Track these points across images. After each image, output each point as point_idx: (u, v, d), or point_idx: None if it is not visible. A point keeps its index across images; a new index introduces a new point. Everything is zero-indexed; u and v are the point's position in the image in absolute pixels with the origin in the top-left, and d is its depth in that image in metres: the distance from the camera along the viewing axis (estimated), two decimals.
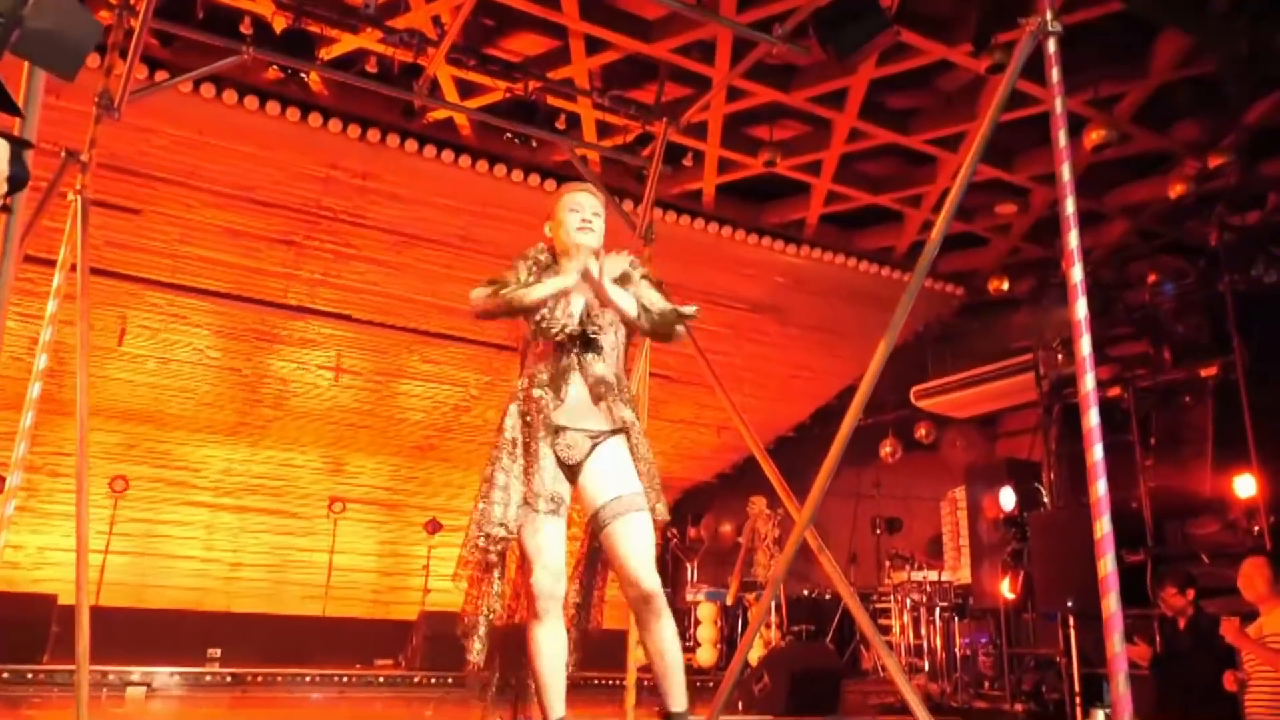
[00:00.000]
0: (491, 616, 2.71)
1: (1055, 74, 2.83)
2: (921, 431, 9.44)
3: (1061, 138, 2.77)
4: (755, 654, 7.35)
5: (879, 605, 8.68)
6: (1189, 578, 5.01)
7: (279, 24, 5.59)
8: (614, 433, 2.71)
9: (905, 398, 9.18)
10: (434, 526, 10.45)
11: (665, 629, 2.60)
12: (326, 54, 5.89)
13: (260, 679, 7.16)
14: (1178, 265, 6.81)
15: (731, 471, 11.53)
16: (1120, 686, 2.24)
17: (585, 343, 2.73)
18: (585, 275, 2.66)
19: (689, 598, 9.54)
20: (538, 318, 2.70)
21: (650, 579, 2.59)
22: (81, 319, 3.74)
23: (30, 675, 6.45)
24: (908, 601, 8.11)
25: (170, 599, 9.54)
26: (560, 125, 6.34)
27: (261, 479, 10.53)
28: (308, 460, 10.66)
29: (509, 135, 6.28)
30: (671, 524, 10.87)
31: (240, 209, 7.14)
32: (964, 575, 7.97)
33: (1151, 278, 6.76)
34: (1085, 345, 2.58)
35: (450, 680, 7.42)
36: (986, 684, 7.41)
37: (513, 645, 2.84)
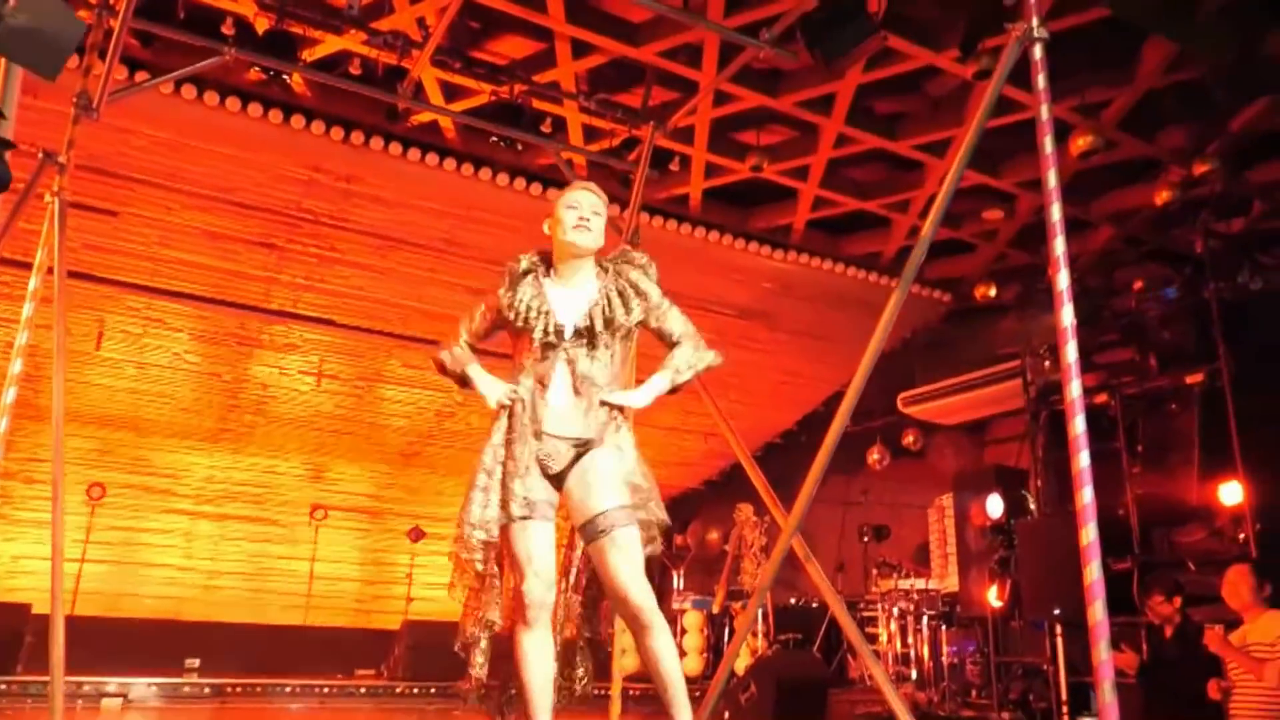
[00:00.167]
0: (494, 629, 2.70)
1: (1041, 80, 2.82)
2: (909, 438, 9.42)
3: (1048, 144, 2.75)
4: (742, 663, 7.30)
5: (866, 613, 8.63)
6: (1176, 585, 4.99)
7: (261, 25, 5.50)
8: (600, 440, 2.64)
9: (893, 404, 9.16)
10: (417, 534, 10.35)
11: (659, 642, 2.54)
12: (310, 55, 5.81)
13: (239, 689, 7.07)
14: (1164, 272, 6.82)
15: (719, 478, 11.48)
16: (1106, 695, 2.22)
17: (575, 344, 2.67)
18: (612, 405, 2.68)
19: (675, 606, 9.47)
20: (517, 324, 2.70)
21: (638, 595, 2.52)
22: (58, 323, 3.68)
23: (3, 686, 6.33)
24: (895, 610, 8.06)
25: (148, 608, 9.41)
26: (546, 129, 6.28)
27: (242, 486, 10.40)
28: (289, 467, 10.54)
29: (494, 139, 6.22)
30: None
31: (221, 211, 7.05)
32: (951, 583, 7.93)
33: (1138, 284, 6.76)
34: (1071, 352, 2.56)
35: (433, 690, 7.33)
36: (974, 692, 7.37)
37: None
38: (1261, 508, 5.55)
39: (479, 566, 2.66)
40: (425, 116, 6.59)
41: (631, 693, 7.50)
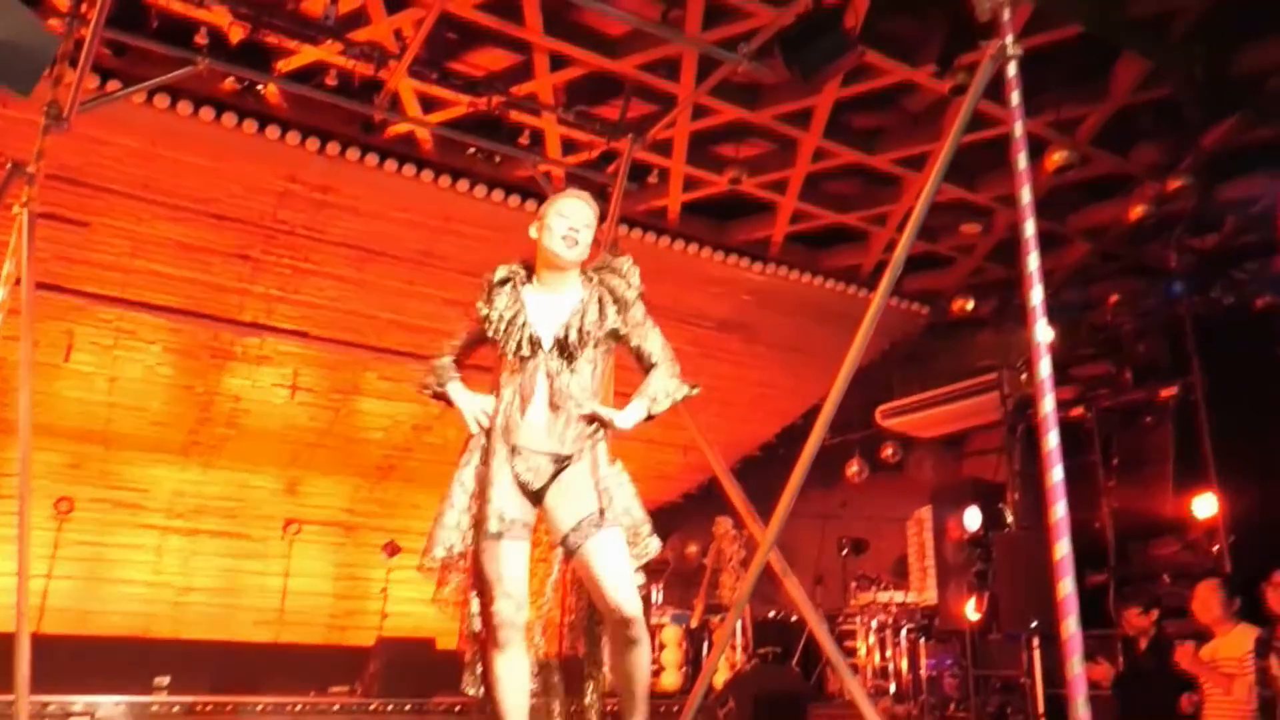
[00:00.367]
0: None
1: (1015, 98, 2.83)
2: (888, 451, 9.43)
3: (1021, 161, 2.76)
4: (720, 677, 7.26)
5: (845, 627, 8.62)
6: (1153, 599, 5.02)
7: (235, 35, 5.46)
8: (580, 456, 2.59)
9: (871, 417, 9.17)
10: (393, 549, 10.23)
11: (641, 656, 2.52)
12: (285, 66, 5.76)
13: (210, 708, 6.92)
14: (1138, 287, 6.89)
15: (697, 491, 11.45)
16: (1080, 708, 2.22)
17: (553, 356, 2.62)
18: (596, 418, 2.63)
19: (654, 620, 9.41)
20: (492, 334, 2.66)
21: (630, 604, 2.48)
22: (25, 335, 3.62)
23: None
24: (873, 623, 8.06)
25: (116, 625, 9.23)
26: (524, 141, 6.26)
27: (214, 500, 10.25)
28: (262, 481, 10.41)
29: (472, 150, 6.20)
30: None
31: (194, 222, 6.96)
32: (930, 596, 7.94)
33: (1113, 299, 6.82)
34: (1044, 368, 2.56)
35: (408, 707, 7.23)
36: (952, 706, 7.37)
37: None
38: (1234, 520, 5.60)
39: (448, 584, 2.61)
40: (402, 128, 6.54)
41: (611, 709, 7.45)
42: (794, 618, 9.00)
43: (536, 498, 2.58)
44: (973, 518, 7.16)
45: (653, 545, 2.62)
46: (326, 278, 7.67)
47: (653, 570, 10.20)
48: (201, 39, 5.38)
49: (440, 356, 2.81)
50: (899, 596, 8.12)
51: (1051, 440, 2.46)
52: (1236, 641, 4.39)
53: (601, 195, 6.45)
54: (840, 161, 6.93)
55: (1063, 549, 2.36)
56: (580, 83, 6.29)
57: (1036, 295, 2.64)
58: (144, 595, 9.74)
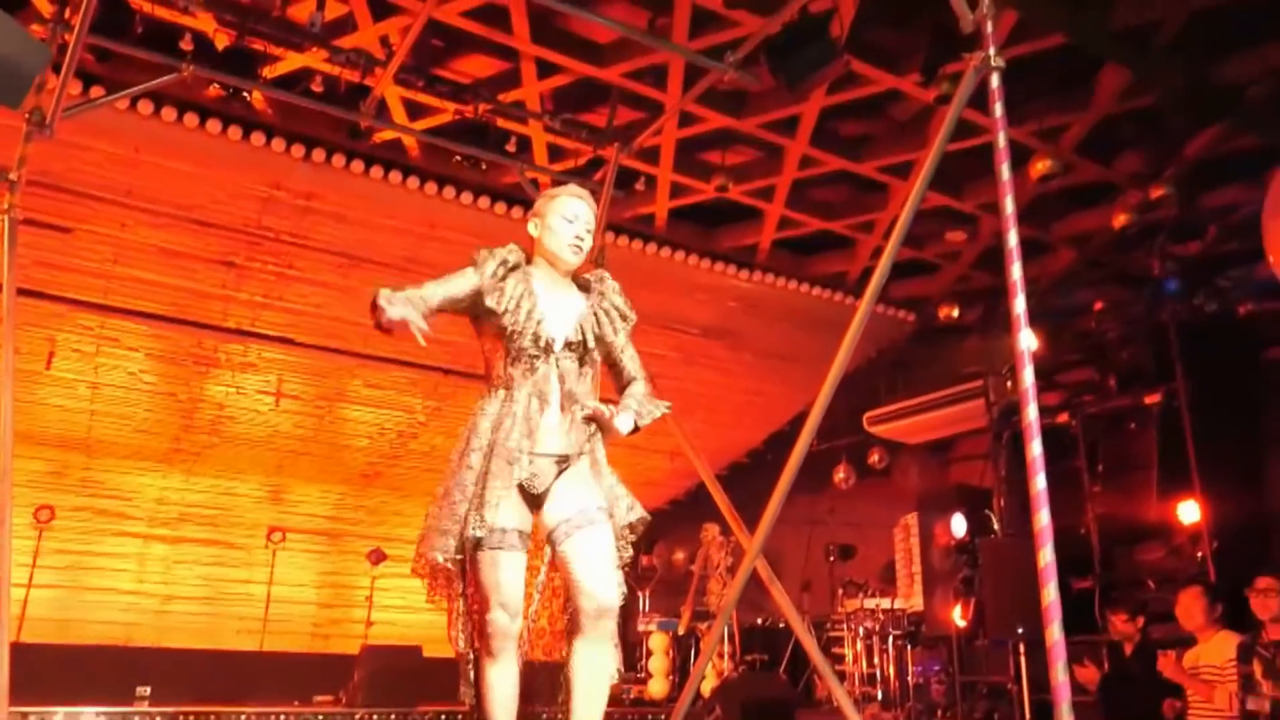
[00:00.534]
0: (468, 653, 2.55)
1: (998, 109, 2.85)
2: (875, 457, 9.45)
3: (1004, 171, 2.78)
4: (707, 685, 7.25)
5: (833, 634, 8.63)
6: (1140, 605, 5.04)
7: (221, 41, 5.44)
8: (579, 456, 2.56)
9: (858, 423, 9.20)
10: (378, 557, 10.17)
11: (609, 658, 2.44)
12: (270, 72, 5.73)
13: (193, 718, 6.86)
14: (1122, 294, 6.93)
15: (684, 498, 11.44)
16: (1065, 714, 2.23)
17: (567, 360, 2.56)
18: (599, 420, 2.55)
19: (641, 628, 9.40)
20: (506, 325, 2.51)
21: (611, 591, 2.41)
22: (6, 342, 3.58)
23: None
24: (861, 629, 8.06)
25: (97, 634, 9.13)
26: (510, 148, 6.26)
27: (197, 508, 10.18)
28: (246, 488, 10.34)
29: (458, 157, 6.19)
30: None
31: (177, 228, 6.92)
32: (917, 602, 7.95)
33: (1098, 305, 6.86)
34: (1028, 376, 2.58)
35: (393, 716, 7.18)
36: (939, 712, 7.38)
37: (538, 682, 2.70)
38: (1218, 526, 5.63)
39: (439, 589, 2.56)
40: (388, 134, 6.53)
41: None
42: (781, 624, 9.00)
43: (536, 502, 2.52)
44: (959, 524, 7.19)
45: (625, 554, 2.57)
46: (311, 284, 7.63)
47: (640, 577, 10.19)
48: (187, 44, 5.35)
49: (417, 289, 2.52)
50: (886, 602, 8.13)
51: (1035, 449, 2.47)
52: (1219, 648, 4.41)
53: None
54: (827, 168, 6.96)
55: (1046, 556, 2.38)
56: (567, 89, 6.29)
57: (1020, 304, 2.66)
58: (126, 604, 9.65)
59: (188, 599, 9.97)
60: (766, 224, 7.69)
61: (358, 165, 6.52)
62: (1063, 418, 6.69)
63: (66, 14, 4.25)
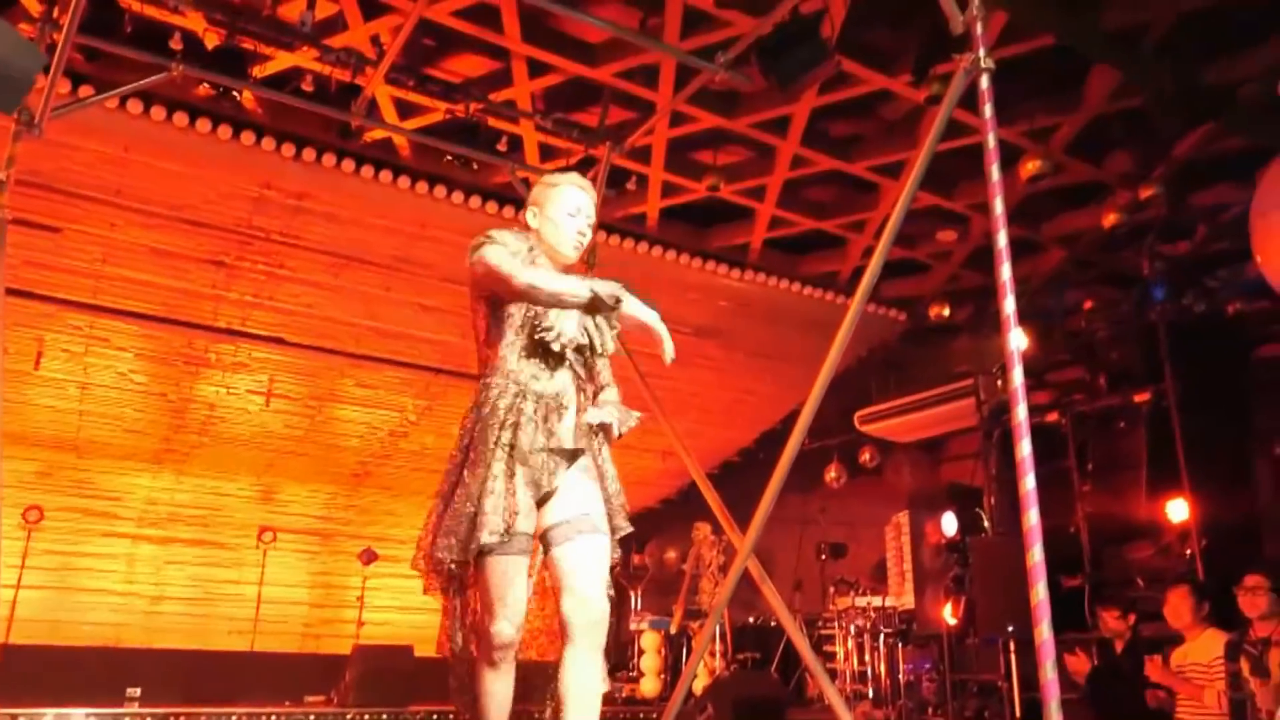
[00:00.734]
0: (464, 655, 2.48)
1: (988, 110, 2.87)
2: (866, 456, 9.48)
3: (994, 172, 2.79)
4: (699, 683, 7.25)
5: (824, 632, 8.65)
6: (1131, 603, 5.07)
7: (211, 40, 5.42)
8: (584, 451, 2.50)
9: (850, 422, 9.22)
10: (369, 556, 10.15)
11: (600, 667, 2.37)
12: (260, 71, 5.71)
13: (184, 719, 6.84)
14: (1112, 294, 6.97)
15: (676, 497, 11.45)
16: (1054, 713, 2.24)
17: (579, 359, 2.48)
18: (605, 430, 2.47)
19: (633, 627, 9.40)
20: (541, 323, 2.41)
21: (604, 602, 2.36)
22: None
23: None
24: (852, 627, 8.09)
25: (87, 635, 9.09)
26: (502, 147, 6.25)
27: (187, 508, 10.13)
28: (236, 488, 10.30)
29: (449, 157, 6.18)
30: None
31: (167, 228, 6.89)
32: (908, 601, 7.99)
33: (1088, 305, 6.89)
34: (1018, 376, 2.59)
35: (385, 716, 7.17)
36: (930, 709, 7.41)
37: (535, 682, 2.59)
38: (1206, 524, 5.67)
39: (436, 589, 2.46)
40: (379, 134, 6.52)
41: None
42: (773, 623, 9.02)
43: (541, 502, 2.42)
44: (950, 522, 7.22)
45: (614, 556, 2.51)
46: (302, 284, 7.61)
47: (631, 576, 10.18)
48: (176, 44, 5.33)
49: (530, 271, 2.34)
50: (877, 601, 8.16)
51: (1024, 448, 2.49)
52: (1206, 646, 4.44)
53: None
54: (818, 168, 6.97)
55: (1035, 556, 2.39)
56: (559, 89, 6.29)
57: (1010, 304, 2.67)
58: (116, 604, 9.61)
59: (178, 599, 9.92)
60: (758, 223, 7.70)
61: (348, 164, 6.50)
62: (1052, 417, 6.72)
63: (55, 13, 4.24)
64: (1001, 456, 7.04)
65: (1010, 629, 6.17)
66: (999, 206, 2.75)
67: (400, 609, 10.64)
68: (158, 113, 5.89)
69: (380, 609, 10.41)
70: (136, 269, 7.25)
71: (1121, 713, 4.84)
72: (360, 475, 10.48)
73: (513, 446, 2.34)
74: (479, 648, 2.40)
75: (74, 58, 5.38)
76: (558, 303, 2.35)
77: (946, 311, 8.23)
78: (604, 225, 7.04)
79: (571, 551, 2.36)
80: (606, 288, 2.33)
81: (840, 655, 8.22)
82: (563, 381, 2.45)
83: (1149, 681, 4.62)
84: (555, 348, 2.41)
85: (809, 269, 8.39)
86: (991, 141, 2.82)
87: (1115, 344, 6.64)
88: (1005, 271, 2.69)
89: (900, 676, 7.69)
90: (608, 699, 8.65)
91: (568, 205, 2.53)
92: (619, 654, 9.83)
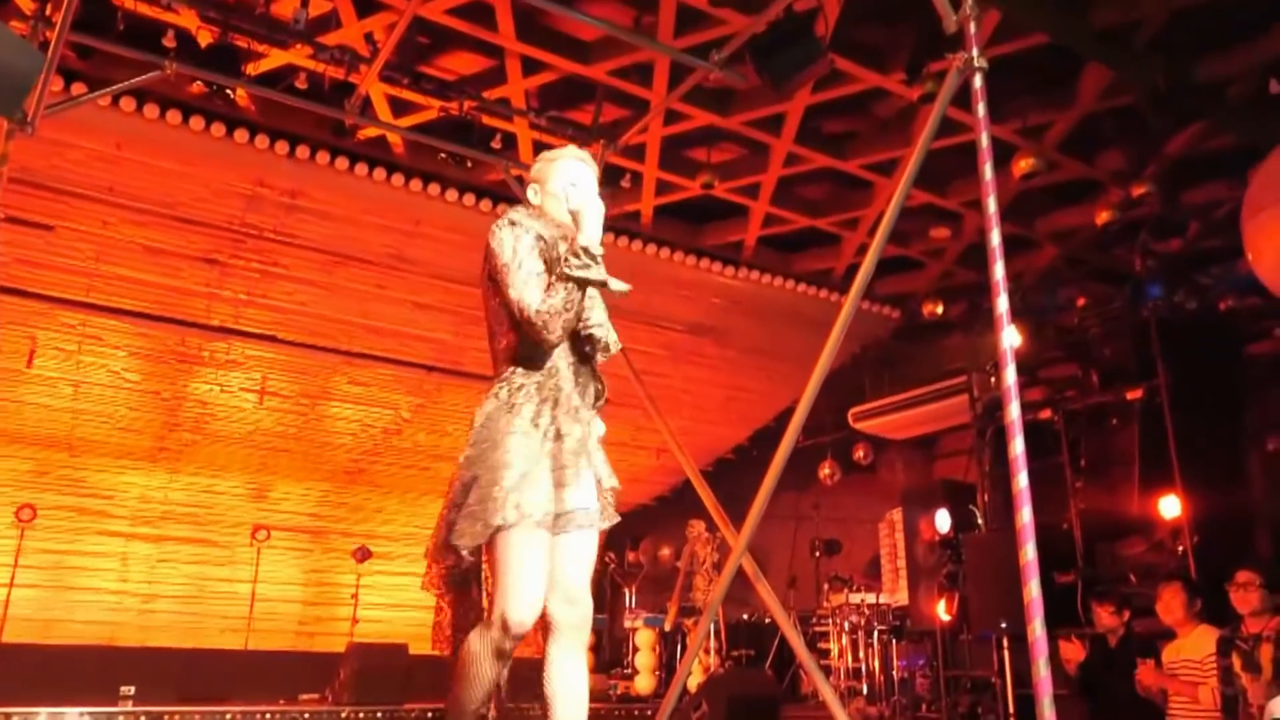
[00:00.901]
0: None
1: (981, 109, 2.88)
2: (860, 453, 9.50)
3: (987, 171, 2.80)
4: (694, 680, 7.27)
5: (818, 628, 8.68)
6: (1125, 599, 5.09)
7: (204, 38, 5.40)
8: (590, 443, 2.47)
9: (843, 419, 9.24)
10: (363, 554, 10.14)
11: (584, 664, 2.33)
12: (254, 69, 5.70)
13: (177, 718, 6.83)
14: (1104, 290, 6.98)
15: (670, 494, 11.47)
16: (1046, 709, 2.26)
17: (585, 349, 2.43)
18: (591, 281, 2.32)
19: (627, 624, 9.41)
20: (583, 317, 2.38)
21: (590, 601, 2.36)
22: None
23: None
24: (846, 624, 8.11)
25: (80, 634, 9.06)
26: (496, 145, 6.24)
27: (180, 506, 10.09)
28: (230, 486, 10.27)
29: (443, 154, 6.17)
30: (609, 548, 10.75)
31: (160, 226, 6.87)
32: (902, 597, 8.01)
33: (1080, 302, 6.91)
34: (1010, 375, 2.61)
35: (380, 714, 7.16)
36: (924, 706, 7.43)
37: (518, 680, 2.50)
38: (1199, 520, 5.68)
39: (438, 574, 2.38)
40: (373, 131, 6.51)
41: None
42: (767, 620, 9.05)
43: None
44: (943, 519, 7.23)
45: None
46: (296, 282, 7.60)
47: (626, 573, 10.18)
48: (169, 41, 5.31)
49: (545, 305, 2.27)
50: (871, 597, 8.18)
51: (1017, 447, 2.50)
52: (1198, 643, 4.47)
53: None
54: (812, 166, 6.98)
55: (1029, 554, 2.40)
56: (553, 86, 6.28)
57: (1003, 303, 2.69)
58: (109, 603, 9.58)
59: (172, 598, 9.90)
60: (752, 221, 7.71)
61: (342, 162, 6.50)
62: (1045, 413, 6.73)
63: (48, 10, 4.22)
64: (995, 453, 7.06)
65: (1004, 625, 6.20)
66: (992, 205, 2.76)
67: (394, 606, 10.63)
68: (151, 110, 5.87)
69: (374, 606, 10.40)
70: (129, 267, 7.24)
71: (1114, 704, 4.87)
72: (354, 473, 10.47)
73: (543, 434, 2.29)
74: (490, 634, 2.23)
75: (67, 55, 5.36)
76: (567, 319, 2.29)
77: (940, 308, 8.26)
78: None
79: (565, 546, 2.33)
80: (585, 274, 2.29)
81: (834, 652, 8.25)
82: (579, 372, 2.41)
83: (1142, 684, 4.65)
84: (591, 347, 2.40)
85: (803, 266, 8.41)
86: (985, 141, 2.83)
87: (1108, 341, 6.65)
88: (999, 270, 2.70)
89: (894, 673, 7.71)
90: (602, 696, 8.73)
91: (569, 177, 2.50)
92: (614, 651, 9.85)
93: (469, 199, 6.89)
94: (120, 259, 7.15)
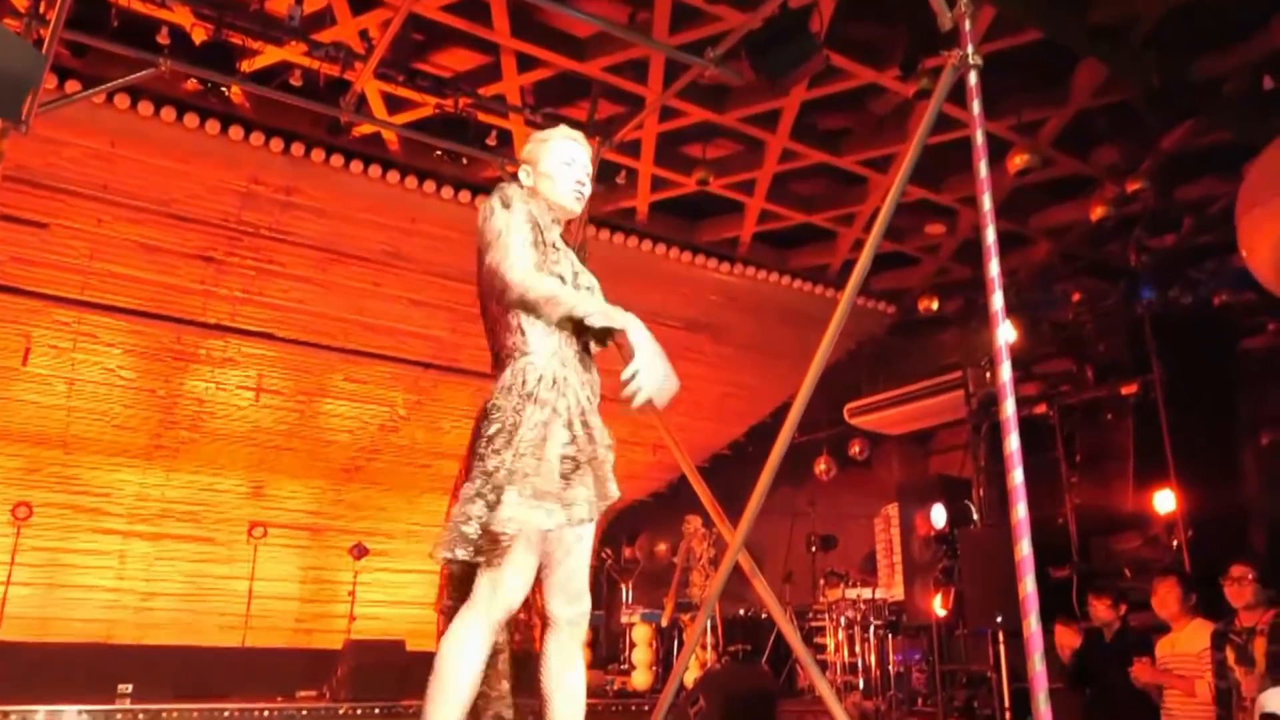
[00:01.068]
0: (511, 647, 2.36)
1: (976, 106, 2.88)
2: (856, 449, 9.51)
3: (982, 168, 2.80)
4: (691, 675, 7.29)
5: (814, 624, 8.69)
6: (1121, 593, 5.12)
7: (198, 35, 5.39)
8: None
9: (839, 415, 9.25)
10: (360, 551, 10.15)
11: (581, 659, 2.33)
12: (249, 66, 5.69)
13: (175, 715, 6.83)
14: (1099, 286, 7.00)
15: (666, 490, 11.48)
16: (1041, 704, 2.27)
17: (588, 337, 2.36)
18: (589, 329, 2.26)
19: (624, 619, 9.43)
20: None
21: (589, 597, 2.35)
22: None
23: None
24: (842, 619, 8.13)
25: (78, 632, 9.07)
26: (491, 142, 6.24)
27: (177, 504, 10.09)
28: (227, 484, 10.27)
29: (439, 151, 6.17)
30: (606, 544, 10.77)
31: (155, 223, 6.86)
32: (898, 592, 8.02)
33: (1075, 297, 6.93)
34: (1005, 371, 2.61)
35: (378, 710, 7.18)
36: (920, 700, 7.46)
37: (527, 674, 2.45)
38: (1193, 515, 5.71)
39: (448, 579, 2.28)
40: (368, 128, 6.50)
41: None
42: (764, 615, 9.06)
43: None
44: (939, 514, 7.25)
45: None
46: (292, 279, 7.59)
47: (622, 569, 10.19)
48: (164, 39, 5.29)
49: (547, 283, 2.20)
50: (867, 592, 8.20)
51: (1012, 443, 2.51)
52: (1193, 637, 4.49)
53: None
54: (807, 162, 6.99)
55: (1024, 549, 2.41)
56: (548, 83, 6.28)
57: (998, 300, 2.69)
58: (106, 601, 9.58)
59: (169, 595, 9.90)
60: (747, 217, 7.72)
61: (337, 159, 6.49)
62: (1040, 409, 6.75)
63: (42, 8, 4.21)
64: (990, 448, 7.07)
65: (999, 620, 6.22)
66: (987, 203, 2.76)
67: (392, 603, 10.64)
68: (145, 108, 5.86)
69: (371, 603, 10.41)
70: (124, 264, 7.23)
71: (1110, 697, 4.89)
72: (350, 470, 10.47)
73: (584, 419, 2.24)
74: (472, 616, 2.15)
75: (61, 53, 5.34)
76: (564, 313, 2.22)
77: (935, 304, 8.27)
78: (594, 219, 7.04)
79: (566, 542, 2.29)
80: (603, 320, 2.22)
81: (831, 647, 8.27)
82: (584, 363, 2.34)
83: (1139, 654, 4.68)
84: (598, 341, 2.34)
85: (798, 262, 8.41)
86: (980, 138, 2.83)
87: (1102, 336, 6.67)
88: (994, 268, 2.70)
89: (890, 667, 7.73)
90: (599, 691, 8.73)
91: (562, 156, 2.42)
92: (611, 646, 9.87)
93: (465, 196, 6.89)
94: (115, 256, 7.14)
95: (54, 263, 7.12)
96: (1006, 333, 2.69)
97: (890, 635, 7.80)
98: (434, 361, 8.65)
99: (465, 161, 6.58)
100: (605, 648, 10.10)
